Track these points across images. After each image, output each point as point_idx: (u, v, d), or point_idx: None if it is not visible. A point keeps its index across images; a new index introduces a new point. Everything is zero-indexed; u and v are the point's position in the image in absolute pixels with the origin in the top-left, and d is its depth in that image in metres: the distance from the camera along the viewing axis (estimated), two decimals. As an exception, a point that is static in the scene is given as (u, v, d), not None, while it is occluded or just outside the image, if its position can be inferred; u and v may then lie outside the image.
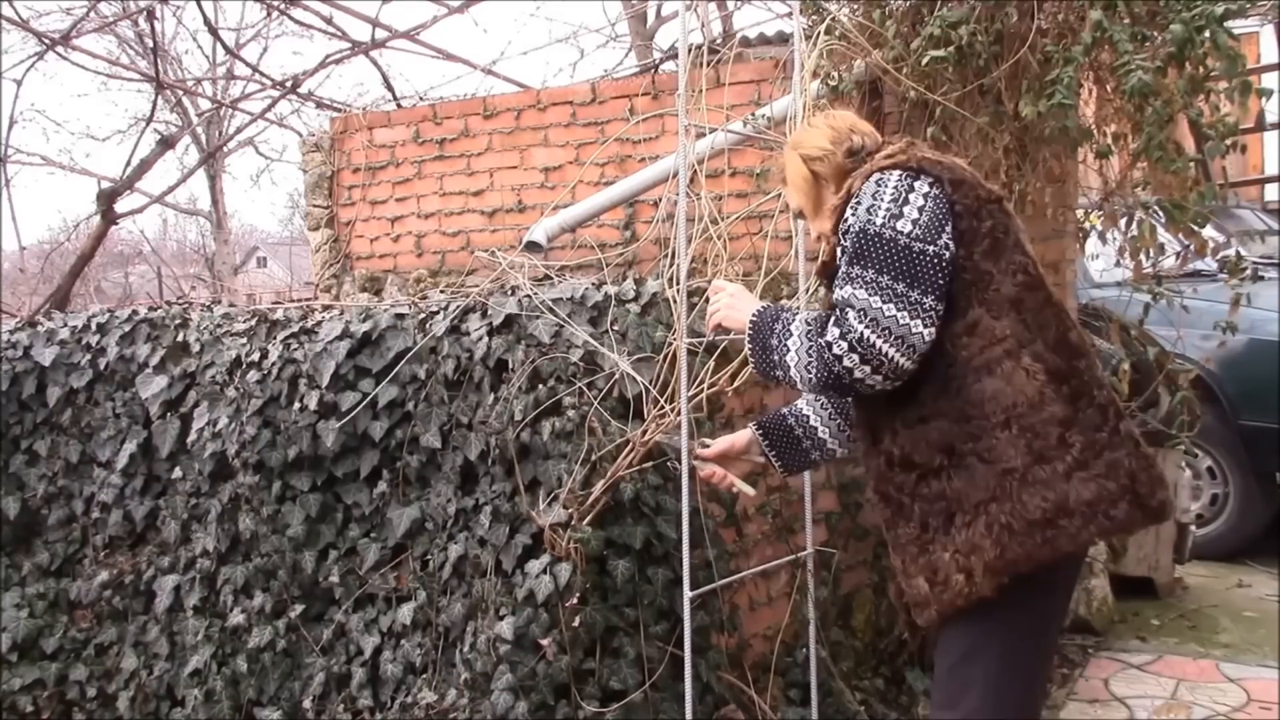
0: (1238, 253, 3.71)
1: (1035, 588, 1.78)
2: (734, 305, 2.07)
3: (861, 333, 1.74)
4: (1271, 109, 3.82)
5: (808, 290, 2.97)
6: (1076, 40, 2.96)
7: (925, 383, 1.83)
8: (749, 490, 2.35)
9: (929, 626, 1.87)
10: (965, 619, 1.80)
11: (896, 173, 1.86)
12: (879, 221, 1.80)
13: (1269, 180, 7.09)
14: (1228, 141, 3.01)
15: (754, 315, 1.98)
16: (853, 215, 1.84)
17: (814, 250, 2.15)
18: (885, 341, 1.74)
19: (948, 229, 1.82)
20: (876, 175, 1.87)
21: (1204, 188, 3.24)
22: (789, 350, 1.88)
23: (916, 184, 1.84)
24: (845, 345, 1.76)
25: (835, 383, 1.80)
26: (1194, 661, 3.81)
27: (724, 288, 2.12)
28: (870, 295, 1.75)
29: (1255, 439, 4.75)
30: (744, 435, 2.32)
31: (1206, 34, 2.77)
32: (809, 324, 1.86)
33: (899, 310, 1.75)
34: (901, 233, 1.79)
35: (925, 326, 1.76)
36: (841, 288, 1.80)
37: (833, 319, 1.80)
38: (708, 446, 2.36)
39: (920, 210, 1.81)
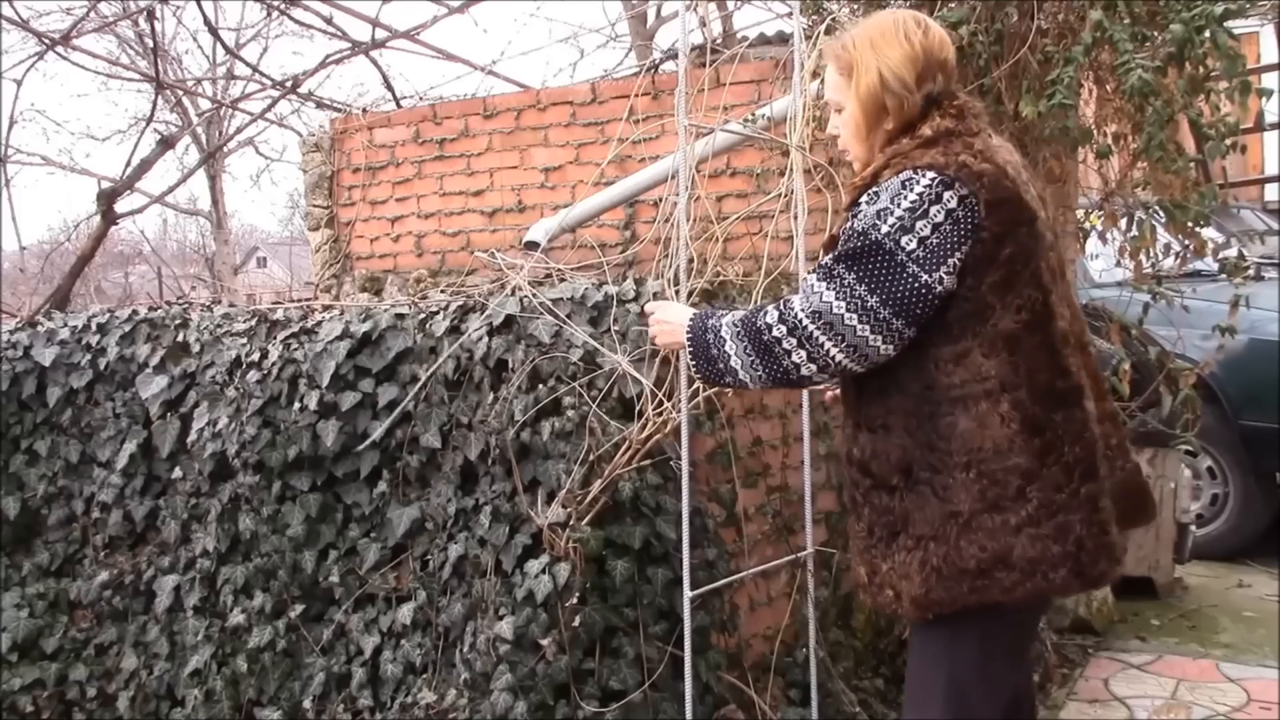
0: (1240, 253, 3.71)
1: (1000, 612, 1.76)
2: (666, 326, 2.01)
3: (809, 329, 1.73)
4: (1271, 109, 3.82)
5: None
6: (1076, 40, 2.96)
7: (897, 392, 1.79)
8: None
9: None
10: (932, 621, 1.79)
11: (928, 176, 1.72)
12: (884, 229, 1.70)
13: (1269, 180, 7.09)
14: (1228, 142, 3.01)
15: (688, 330, 1.93)
16: (867, 206, 1.75)
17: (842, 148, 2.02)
18: (835, 347, 1.72)
19: (955, 256, 1.72)
20: (906, 175, 1.73)
21: (1204, 188, 3.25)
22: (730, 355, 1.84)
23: (945, 195, 1.71)
24: (785, 329, 1.75)
25: (783, 377, 1.79)
26: (1194, 661, 3.81)
27: (655, 309, 2.07)
28: (838, 300, 1.71)
29: (1255, 439, 4.75)
30: None
31: (1206, 34, 2.78)
32: (739, 323, 1.83)
33: (862, 323, 1.70)
34: (902, 249, 1.70)
35: (886, 345, 1.72)
36: (816, 277, 1.76)
37: (776, 305, 1.78)
38: None
39: (935, 229, 1.70)
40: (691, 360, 1.92)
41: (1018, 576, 1.71)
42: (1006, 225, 1.72)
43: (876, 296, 1.69)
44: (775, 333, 1.76)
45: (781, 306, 1.78)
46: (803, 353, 1.74)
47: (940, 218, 1.70)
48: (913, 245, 1.69)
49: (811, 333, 1.72)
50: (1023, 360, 1.74)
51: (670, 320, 2.00)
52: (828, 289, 1.72)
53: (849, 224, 1.77)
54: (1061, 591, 1.79)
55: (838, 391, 2.17)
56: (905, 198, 1.71)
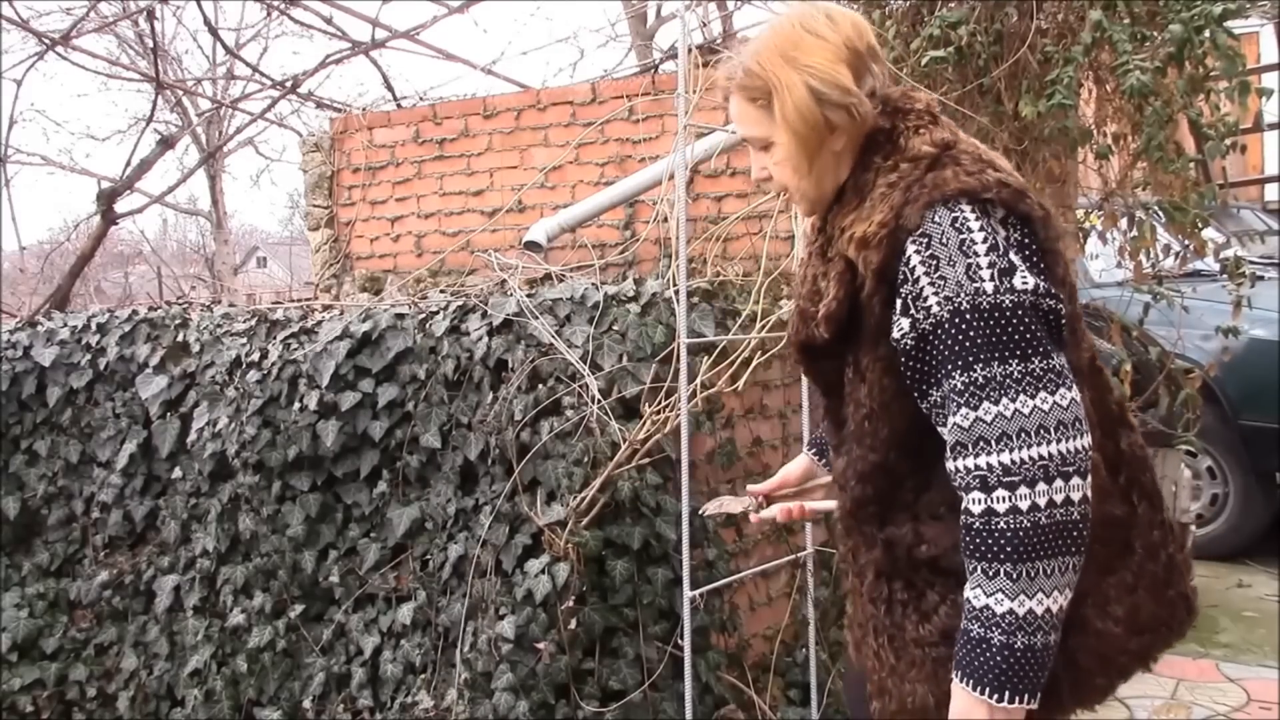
0: (1236, 256, 3.71)
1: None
2: (972, 712, 1.35)
3: (1027, 458, 1.29)
4: (1270, 109, 3.82)
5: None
6: (1076, 40, 2.96)
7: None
8: (826, 507, 1.82)
9: None
10: None
11: (968, 208, 1.37)
12: (990, 288, 1.32)
13: (1269, 180, 7.08)
14: (1227, 142, 3.01)
15: (991, 691, 1.32)
16: (942, 270, 1.34)
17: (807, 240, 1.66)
18: (1069, 439, 1.30)
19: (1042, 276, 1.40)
20: (950, 214, 1.36)
21: (1204, 188, 3.25)
22: (1037, 613, 1.30)
23: (994, 222, 1.38)
24: (1011, 494, 1.29)
25: (1079, 535, 1.30)
26: (1194, 661, 3.81)
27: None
28: (1012, 400, 1.30)
29: (1255, 439, 4.74)
30: (798, 464, 1.89)
31: (1206, 34, 2.78)
32: (997, 589, 1.31)
33: (1049, 391, 1.30)
34: (1025, 291, 1.33)
35: (1071, 390, 1.32)
36: (965, 408, 1.32)
37: (969, 509, 1.32)
38: (751, 508, 1.84)
39: (1023, 255, 1.37)
40: (1025, 690, 1.32)
41: (1148, 640, 1.50)
42: (1055, 241, 1.42)
43: (1038, 355, 1.31)
44: (978, 508, 1.31)
45: (980, 495, 1.31)
46: (1059, 483, 1.29)
47: (1015, 245, 1.39)
48: (1029, 281, 1.34)
49: (1035, 457, 1.29)
50: (1090, 391, 1.45)
51: (963, 712, 1.36)
52: (991, 404, 1.31)
53: (926, 303, 1.36)
54: (1180, 636, 1.55)
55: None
56: (973, 238, 1.35)
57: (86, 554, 3.64)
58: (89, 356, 3.67)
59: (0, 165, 6.25)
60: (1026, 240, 1.39)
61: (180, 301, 4.29)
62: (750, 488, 1.86)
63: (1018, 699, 1.31)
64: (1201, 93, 3.01)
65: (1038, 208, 1.40)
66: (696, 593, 2.61)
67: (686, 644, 2.56)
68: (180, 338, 3.53)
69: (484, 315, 2.94)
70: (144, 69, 11.53)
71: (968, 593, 1.35)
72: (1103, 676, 1.49)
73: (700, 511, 1.97)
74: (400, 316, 3.06)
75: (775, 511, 1.81)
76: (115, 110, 44.51)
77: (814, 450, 1.87)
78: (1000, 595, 1.30)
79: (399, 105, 5.87)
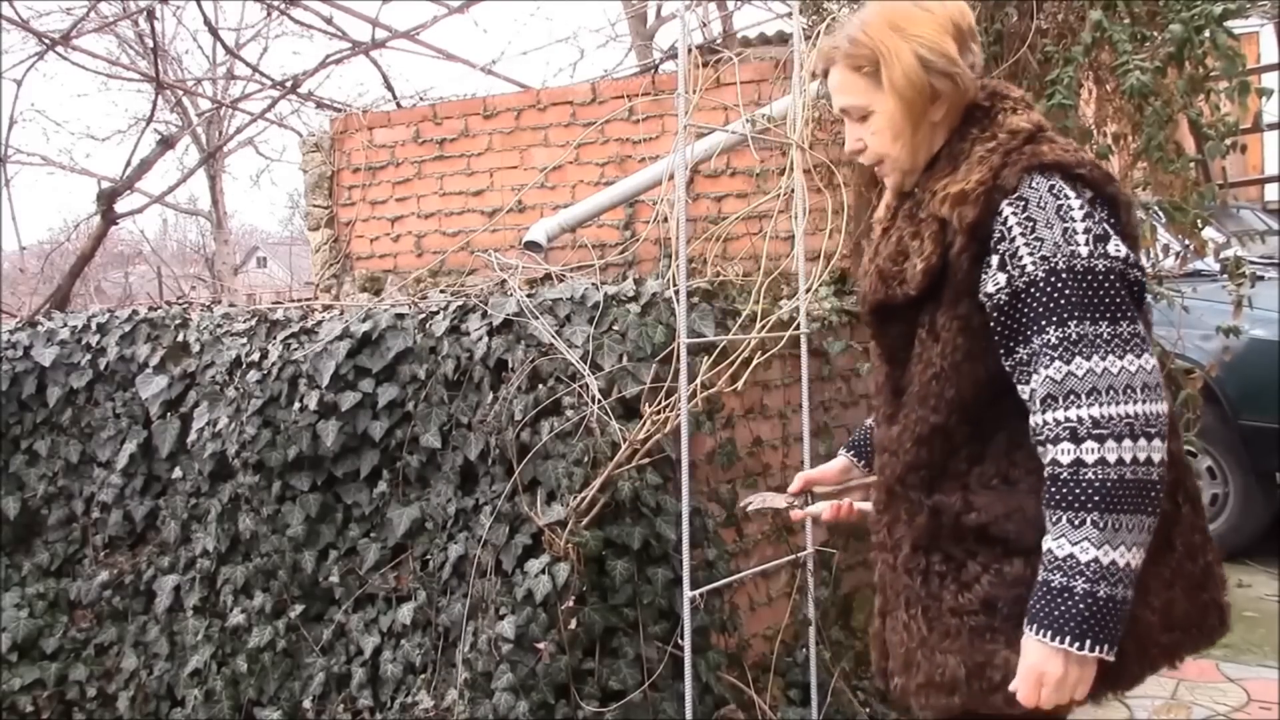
0: (1237, 256, 3.71)
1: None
2: (1042, 674, 1.38)
3: (1113, 415, 1.34)
4: (1271, 109, 3.82)
5: (809, 290, 2.97)
6: (1076, 40, 2.97)
7: (1025, 439, 1.45)
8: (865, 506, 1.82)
9: None
10: None
11: (1059, 179, 1.45)
12: (1084, 251, 1.39)
13: (1269, 180, 7.08)
14: (1228, 142, 3.01)
15: (1073, 638, 1.34)
16: (1033, 246, 1.40)
17: (881, 220, 1.69)
18: (1148, 401, 1.35)
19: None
20: (1047, 181, 1.44)
21: (1204, 188, 3.25)
22: (1117, 564, 1.33)
23: (1085, 198, 1.45)
24: (1099, 446, 1.33)
25: (1155, 494, 1.36)
26: (1194, 661, 3.75)
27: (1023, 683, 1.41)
28: (1101, 358, 1.36)
29: (1255, 439, 4.74)
30: (835, 463, 1.90)
31: (1206, 34, 2.78)
32: (1081, 535, 1.34)
33: (1136, 355, 1.37)
34: (1117, 258, 1.41)
35: (1154, 357, 1.40)
36: (1059, 361, 1.37)
37: (1057, 460, 1.37)
38: (795, 504, 1.85)
39: (1111, 226, 1.45)
40: (1105, 640, 1.35)
41: (1179, 637, 1.50)
42: (1134, 228, 1.51)
43: (1125, 319, 1.39)
44: (1064, 459, 1.36)
45: (1069, 445, 1.36)
46: (1142, 442, 1.34)
47: (1105, 219, 1.47)
48: (1120, 250, 1.42)
49: (1123, 414, 1.34)
50: None
51: (1037, 665, 1.38)
52: (1083, 360, 1.36)
53: (1021, 262, 1.41)
54: (1209, 642, 1.56)
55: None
56: (1070, 205, 1.42)
57: (86, 554, 3.64)
58: (89, 356, 3.67)
59: (0, 165, 6.25)
60: (1111, 221, 1.46)
61: (180, 301, 4.29)
62: (792, 489, 1.85)
63: (1098, 648, 1.34)
64: (1201, 93, 3.01)
65: (1123, 194, 1.48)
66: (696, 593, 2.61)
67: (687, 644, 2.56)
68: (180, 338, 3.53)
69: (484, 315, 2.94)
70: (144, 69, 11.53)
71: (1049, 544, 1.37)
72: (1136, 664, 1.50)
73: (742, 505, 2.00)
74: (400, 316, 3.06)
75: (822, 508, 1.83)
76: (115, 110, 44.54)
77: (851, 451, 1.88)
78: (1086, 544, 1.33)
79: (399, 105, 5.87)
